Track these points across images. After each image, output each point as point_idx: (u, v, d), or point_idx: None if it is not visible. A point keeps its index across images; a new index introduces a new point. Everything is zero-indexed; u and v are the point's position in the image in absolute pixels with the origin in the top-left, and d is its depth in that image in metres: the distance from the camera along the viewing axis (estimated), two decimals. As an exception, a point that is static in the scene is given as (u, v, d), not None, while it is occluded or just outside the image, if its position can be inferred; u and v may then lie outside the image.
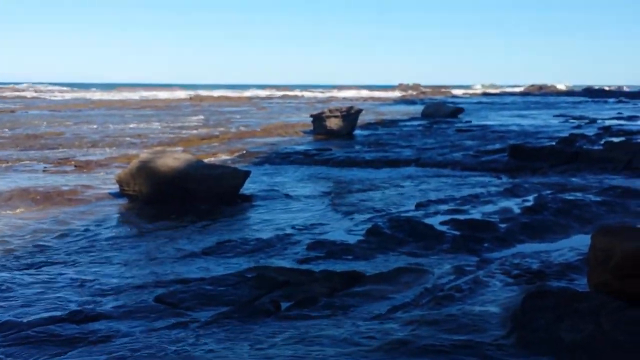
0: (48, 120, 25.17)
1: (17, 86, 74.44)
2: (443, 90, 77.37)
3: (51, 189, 9.85)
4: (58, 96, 55.37)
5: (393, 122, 25.43)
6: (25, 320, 4.52)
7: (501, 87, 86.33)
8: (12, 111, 31.14)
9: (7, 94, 58.36)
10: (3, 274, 5.78)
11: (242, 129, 22.04)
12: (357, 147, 16.50)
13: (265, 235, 7.31)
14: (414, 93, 69.47)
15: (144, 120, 25.44)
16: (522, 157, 13.02)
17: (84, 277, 5.68)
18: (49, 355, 3.98)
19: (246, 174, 9.75)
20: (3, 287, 5.35)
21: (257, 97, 56.44)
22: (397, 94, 67.74)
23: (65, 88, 78.96)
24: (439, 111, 28.79)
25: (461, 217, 8.03)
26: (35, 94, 59.01)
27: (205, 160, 10.91)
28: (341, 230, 7.61)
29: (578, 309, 4.16)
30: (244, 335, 4.23)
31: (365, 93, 69.49)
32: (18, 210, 8.61)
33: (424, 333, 4.15)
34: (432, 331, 4.19)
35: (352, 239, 7.05)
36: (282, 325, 4.41)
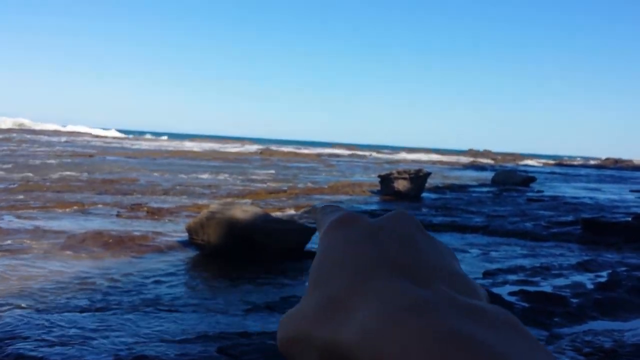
0: (124, 166, 26.08)
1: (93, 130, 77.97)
2: (514, 157, 76.39)
3: (123, 233, 10.13)
4: (135, 144, 57.46)
5: (462, 187, 25.16)
6: (91, 361, 4.61)
7: (574, 158, 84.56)
8: (91, 156, 32.40)
9: (86, 138, 61.02)
10: (69, 315, 5.94)
11: (310, 185, 22.24)
12: (425, 210, 16.34)
13: (329, 293, 7.25)
14: (484, 160, 68.79)
15: (214, 171, 26.03)
16: (596, 231, 12.62)
17: (148, 324, 5.77)
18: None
19: (313, 231, 9.79)
20: (68, 329, 5.49)
21: (325, 155, 56.96)
22: (466, 159, 67.16)
23: (138, 136, 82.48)
24: (510, 179, 28.33)
25: (531, 288, 7.81)
26: (113, 141, 61.49)
27: (273, 214, 11.02)
28: (406, 293, 7.48)
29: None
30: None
31: (434, 156, 69.26)
32: (91, 253, 8.88)
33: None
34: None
35: (416, 304, 6.91)
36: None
